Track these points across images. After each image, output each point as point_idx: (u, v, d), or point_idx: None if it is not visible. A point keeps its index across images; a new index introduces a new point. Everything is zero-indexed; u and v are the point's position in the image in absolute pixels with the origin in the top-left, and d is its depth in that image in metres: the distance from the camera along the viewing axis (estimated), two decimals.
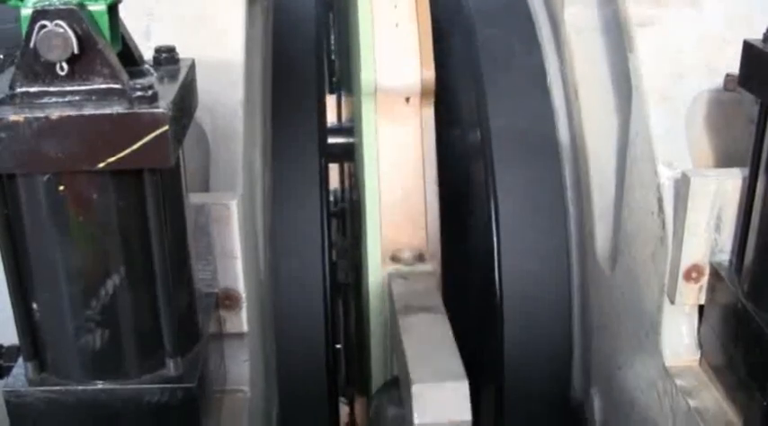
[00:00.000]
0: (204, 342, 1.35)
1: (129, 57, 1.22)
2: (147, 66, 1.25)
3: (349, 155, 3.12)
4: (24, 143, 1.09)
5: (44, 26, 1.08)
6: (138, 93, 1.09)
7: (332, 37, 3.86)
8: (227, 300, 1.47)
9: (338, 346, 3.04)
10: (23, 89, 1.11)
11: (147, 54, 1.28)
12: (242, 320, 1.49)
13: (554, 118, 1.92)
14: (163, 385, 1.24)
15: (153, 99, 1.09)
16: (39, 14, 1.08)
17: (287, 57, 2.04)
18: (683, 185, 1.48)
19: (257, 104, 1.82)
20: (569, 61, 1.88)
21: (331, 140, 2.46)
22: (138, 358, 1.24)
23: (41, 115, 1.08)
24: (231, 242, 1.44)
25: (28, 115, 1.08)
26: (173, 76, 1.23)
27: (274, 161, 1.88)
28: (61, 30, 1.08)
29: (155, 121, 1.08)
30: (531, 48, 1.97)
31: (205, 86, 1.36)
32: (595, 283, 1.84)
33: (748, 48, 1.40)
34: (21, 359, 1.26)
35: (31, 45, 1.09)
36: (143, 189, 1.15)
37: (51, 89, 1.11)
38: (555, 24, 1.96)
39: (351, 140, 3.11)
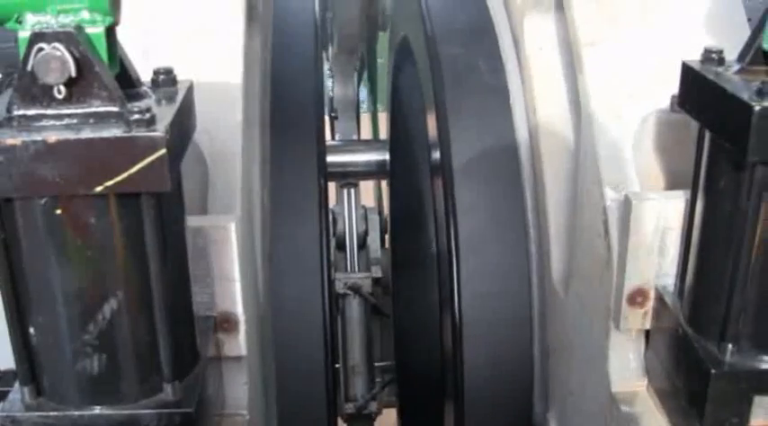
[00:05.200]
0: (202, 366, 1.34)
1: (126, 79, 1.21)
2: (144, 88, 1.24)
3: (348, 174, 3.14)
4: (21, 166, 1.08)
5: (41, 49, 1.08)
6: (136, 116, 1.08)
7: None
8: (226, 323, 1.46)
9: (337, 366, 3.05)
10: (21, 112, 1.10)
11: (146, 74, 1.27)
12: (240, 343, 1.48)
13: (515, 137, 1.89)
14: (160, 410, 1.23)
15: (150, 122, 1.09)
16: (36, 37, 1.08)
17: (286, 76, 2.03)
18: (625, 208, 1.46)
19: (256, 123, 1.81)
20: (528, 80, 1.86)
21: (330, 159, 2.47)
22: (135, 382, 1.23)
23: (39, 138, 1.07)
24: (229, 264, 1.43)
25: (25, 138, 1.07)
26: (171, 98, 1.22)
27: (272, 181, 1.87)
28: (59, 53, 1.07)
29: (152, 144, 1.08)
30: (495, 66, 1.95)
31: (203, 107, 1.36)
32: (551, 306, 1.82)
33: (686, 69, 1.38)
34: (17, 384, 1.24)
35: (29, 68, 1.08)
36: (141, 212, 1.14)
37: (49, 112, 1.10)
38: (516, 42, 1.94)
39: (352, 159, 3.14)
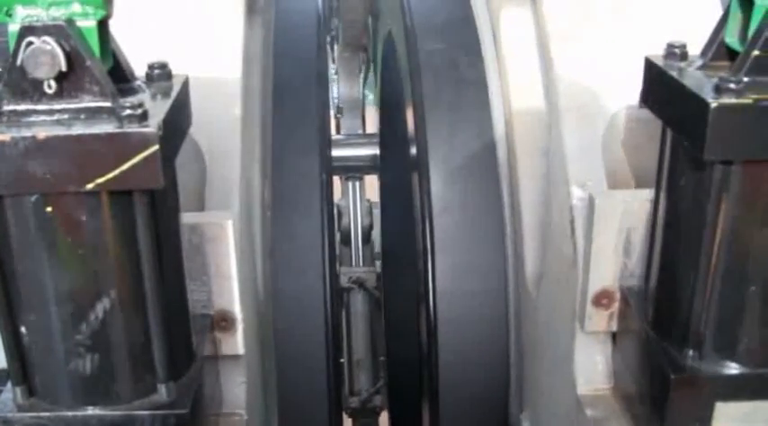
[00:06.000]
0: (198, 366, 1.31)
1: (120, 73, 1.19)
2: (138, 82, 1.22)
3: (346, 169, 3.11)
4: (10, 163, 1.06)
5: (31, 43, 1.05)
6: (128, 112, 1.06)
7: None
8: (223, 321, 1.43)
9: (342, 360, 3.04)
10: (10, 107, 1.08)
11: (142, 68, 1.25)
12: (238, 342, 1.45)
13: (493, 133, 1.85)
14: (155, 411, 1.21)
15: (143, 118, 1.06)
16: (26, 30, 1.06)
17: (288, 70, 2.00)
18: (590, 207, 1.42)
19: (256, 118, 1.78)
20: (504, 75, 1.82)
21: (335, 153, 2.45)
22: (129, 383, 1.21)
23: (28, 134, 1.05)
24: (226, 262, 1.41)
25: (15, 134, 1.05)
26: (165, 93, 1.19)
27: (274, 175, 1.85)
28: (48, 47, 1.05)
29: (144, 141, 1.05)
30: (475, 61, 1.91)
31: (201, 102, 1.33)
32: (525, 305, 1.78)
33: (649, 64, 1.33)
34: (9, 384, 1.22)
35: (18, 62, 1.06)
36: (133, 210, 1.12)
37: (39, 107, 1.08)
38: (495, 36, 1.89)
39: (355, 153, 3.11)
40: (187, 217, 1.35)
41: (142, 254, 1.15)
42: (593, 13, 1.62)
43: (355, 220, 3.42)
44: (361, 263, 3.32)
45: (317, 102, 2.00)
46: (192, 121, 1.29)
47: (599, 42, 1.59)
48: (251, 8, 1.73)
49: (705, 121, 1.13)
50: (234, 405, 1.49)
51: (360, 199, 3.44)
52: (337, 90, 4.02)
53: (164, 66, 1.24)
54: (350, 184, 3.49)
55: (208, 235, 1.39)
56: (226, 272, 1.41)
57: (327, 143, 2.00)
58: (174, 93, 1.19)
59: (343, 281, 3.10)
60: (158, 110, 1.11)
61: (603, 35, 1.59)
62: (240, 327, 1.45)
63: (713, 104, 1.12)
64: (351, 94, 4.03)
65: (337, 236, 3.30)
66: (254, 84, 1.77)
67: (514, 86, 1.78)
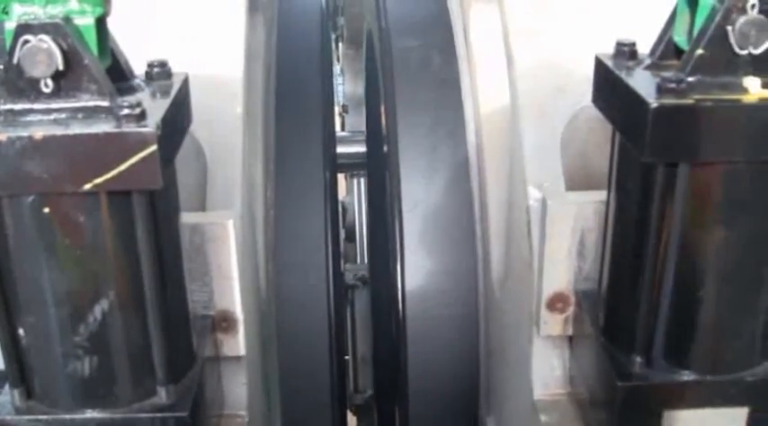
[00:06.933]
0: (199, 367, 1.30)
1: (118, 72, 1.17)
2: (137, 81, 1.20)
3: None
4: (7, 163, 1.04)
5: (28, 41, 1.04)
6: (126, 111, 1.04)
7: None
8: (224, 322, 1.42)
9: (346, 357, 3.02)
10: (7, 106, 1.06)
11: (143, 66, 1.23)
12: (239, 343, 1.44)
13: (465, 132, 1.81)
14: (154, 414, 1.19)
15: (141, 117, 1.04)
16: (22, 29, 1.04)
17: (292, 66, 1.98)
18: (543, 208, 1.39)
19: (259, 116, 1.77)
20: (473, 73, 1.78)
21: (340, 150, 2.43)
22: (128, 385, 1.20)
23: (25, 134, 1.03)
24: (228, 262, 1.39)
25: (11, 134, 1.03)
26: (165, 92, 1.18)
27: (277, 174, 1.83)
28: (45, 45, 1.03)
29: (142, 141, 1.03)
30: (449, 59, 1.87)
31: (203, 100, 1.32)
32: (492, 306, 1.76)
33: (598, 63, 1.28)
34: (7, 386, 1.21)
35: (15, 60, 1.04)
36: (132, 210, 1.10)
37: (36, 106, 1.06)
38: (465, 33, 1.85)
39: (360, 150, 3.10)
40: (188, 217, 1.34)
41: (141, 255, 1.13)
42: (556, 10, 1.58)
43: (360, 217, 3.40)
44: (366, 260, 3.31)
45: (321, 98, 1.99)
46: (192, 120, 1.27)
47: (561, 39, 1.54)
48: (253, 5, 1.71)
49: (645, 122, 1.09)
50: (236, 407, 1.48)
51: (364, 196, 3.42)
52: (342, 87, 4.01)
53: (163, 65, 1.23)
54: (355, 181, 3.47)
55: (209, 235, 1.37)
56: (227, 273, 1.40)
57: (332, 140, 1.98)
58: (173, 92, 1.17)
59: (348, 278, 3.09)
60: (157, 109, 1.09)
61: (566, 32, 1.55)
62: (242, 328, 1.43)
63: (653, 105, 1.09)
64: (355, 92, 4.01)
65: (342, 233, 3.28)
66: (257, 82, 1.75)
67: (482, 85, 1.74)
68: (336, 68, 3.85)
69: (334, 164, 1.99)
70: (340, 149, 2.70)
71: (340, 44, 3.92)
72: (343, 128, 3.97)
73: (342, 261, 2.96)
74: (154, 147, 1.04)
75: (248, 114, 1.61)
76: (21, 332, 1.17)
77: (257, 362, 1.61)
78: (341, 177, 3.47)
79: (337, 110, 3.72)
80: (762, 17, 1.10)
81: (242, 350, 1.45)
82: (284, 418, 1.79)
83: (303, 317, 1.79)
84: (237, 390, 1.48)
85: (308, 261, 1.81)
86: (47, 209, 1.08)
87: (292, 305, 1.79)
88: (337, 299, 1.86)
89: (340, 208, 3.24)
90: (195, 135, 1.46)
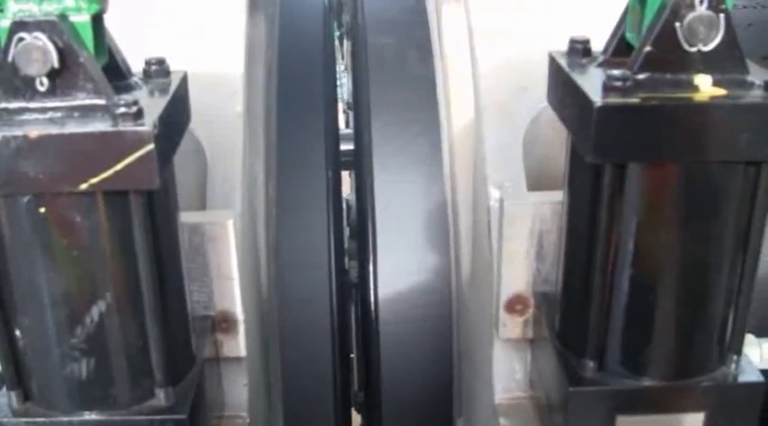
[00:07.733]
0: (198, 369, 1.28)
1: (115, 70, 1.16)
2: (135, 79, 1.19)
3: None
4: (2, 163, 1.02)
5: (22, 38, 1.02)
6: (122, 110, 1.02)
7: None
8: (224, 323, 1.40)
9: (351, 355, 3.00)
10: (2, 105, 1.05)
11: (142, 64, 1.22)
12: (239, 343, 1.42)
13: (438, 131, 1.76)
14: (152, 416, 1.18)
15: (137, 116, 1.03)
16: (17, 26, 1.03)
17: (294, 63, 1.97)
18: (501, 208, 1.36)
19: (260, 114, 1.75)
20: (445, 70, 1.74)
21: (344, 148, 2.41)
22: (126, 387, 1.18)
23: (20, 133, 1.01)
24: (228, 262, 1.37)
25: (6, 133, 1.02)
26: (163, 90, 1.16)
27: (279, 171, 1.81)
28: (40, 43, 1.02)
29: (139, 140, 1.02)
30: (425, 57, 1.82)
31: (202, 98, 1.30)
32: (461, 307, 1.72)
33: (551, 61, 1.25)
34: (4, 389, 1.20)
35: (9, 59, 1.03)
36: (129, 210, 1.08)
37: (31, 105, 1.05)
38: (438, 31, 1.82)
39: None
40: (187, 217, 1.32)
41: (139, 256, 1.11)
42: (519, 9, 1.55)
43: None
44: None
45: (324, 95, 1.97)
46: (191, 118, 1.25)
47: (524, 39, 1.51)
48: (254, 2, 1.69)
49: (590, 122, 1.06)
50: (236, 408, 1.47)
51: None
52: (347, 84, 3.98)
53: (161, 62, 1.21)
54: None
55: (208, 234, 1.36)
56: (227, 273, 1.38)
57: (335, 137, 1.96)
58: (171, 90, 1.16)
59: (353, 276, 3.07)
60: (154, 107, 1.07)
61: (529, 31, 1.52)
62: (242, 328, 1.42)
63: (597, 104, 1.06)
64: None
65: (347, 231, 3.26)
66: (258, 79, 1.74)
67: (453, 83, 1.71)
68: (340, 65, 3.83)
69: (338, 162, 1.97)
70: (344, 147, 2.69)
71: (345, 41, 3.89)
72: (347, 126, 3.96)
73: (346, 259, 2.95)
74: (150, 146, 1.02)
75: (249, 112, 1.59)
76: (17, 333, 1.15)
77: (258, 363, 1.59)
78: (345, 174, 3.44)
79: (341, 107, 3.70)
80: (711, 13, 1.06)
81: (242, 351, 1.43)
82: (286, 418, 1.77)
83: (306, 314, 1.77)
84: (238, 391, 1.47)
85: (311, 259, 1.79)
86: (43, 210, 1.07)
87: (295, 302, 1.77)
88: (341, 296, 1.84)
89: (345, 206, 3.22)
90: (195, 133, 1.44)
